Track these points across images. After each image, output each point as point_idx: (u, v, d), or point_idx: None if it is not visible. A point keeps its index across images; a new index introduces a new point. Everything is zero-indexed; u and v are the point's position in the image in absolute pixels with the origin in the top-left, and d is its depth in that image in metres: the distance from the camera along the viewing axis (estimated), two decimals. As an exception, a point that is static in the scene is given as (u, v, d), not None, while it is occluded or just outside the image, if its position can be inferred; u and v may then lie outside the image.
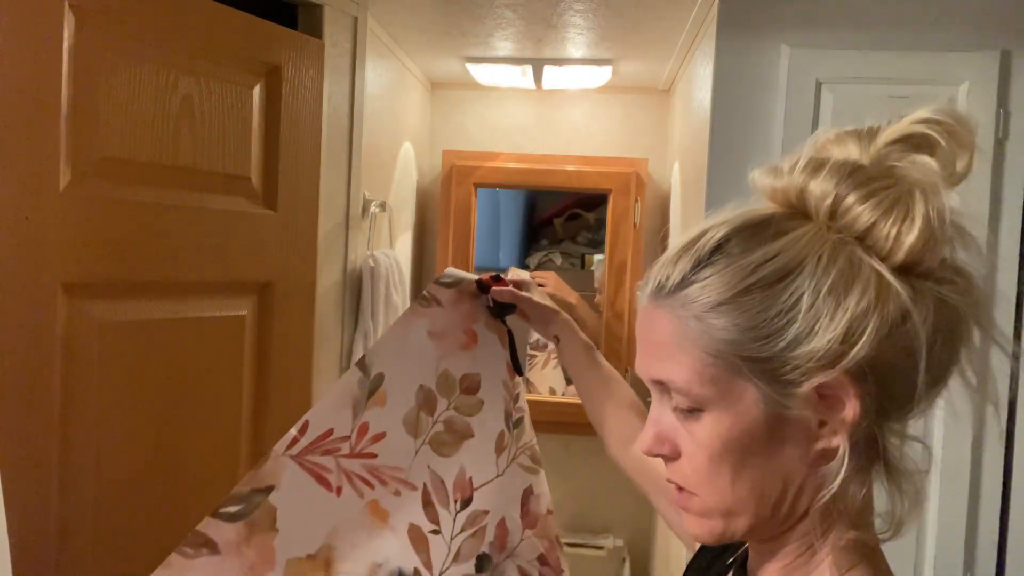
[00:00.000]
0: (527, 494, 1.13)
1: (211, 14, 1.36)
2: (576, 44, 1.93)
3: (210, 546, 0.85)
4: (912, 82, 1.39)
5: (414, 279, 2.37)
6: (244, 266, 1.44)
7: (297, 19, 1.59)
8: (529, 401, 2.47)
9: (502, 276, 1.12)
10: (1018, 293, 1.40)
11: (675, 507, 0.61)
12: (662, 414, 0.59)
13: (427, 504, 1.00)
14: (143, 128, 1.24)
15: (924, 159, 0.55)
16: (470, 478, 1.04)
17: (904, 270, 0.52)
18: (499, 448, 1.09)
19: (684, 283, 0.56)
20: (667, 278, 0.57)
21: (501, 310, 1.11)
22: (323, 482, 0.92)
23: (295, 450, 0.91)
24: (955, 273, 0.54)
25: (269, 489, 0.89)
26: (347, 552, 0.92)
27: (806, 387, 0.52)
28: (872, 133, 0.59)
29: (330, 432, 0.94)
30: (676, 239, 0.60)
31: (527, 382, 2.53)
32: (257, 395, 1.48)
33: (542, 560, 1.13)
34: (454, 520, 1.02)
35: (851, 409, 0.53)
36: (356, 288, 1.78)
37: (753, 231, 0.56)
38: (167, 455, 1.32)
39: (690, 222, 1.74)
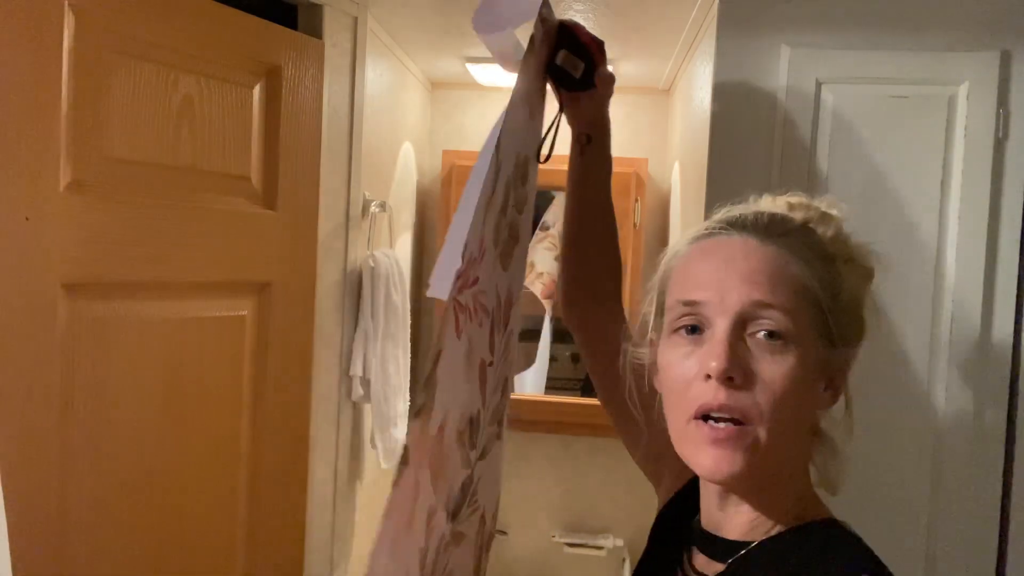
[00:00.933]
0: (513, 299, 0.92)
1: (211, 14, 1.36)
2: (576, 44, 1.93)
3: (404, 459, 0.71)
4: (912, 82, 1.39)
5: (414, 279, 2.37)
6: (244, 266, 1.44)
7: (297, 19, 1.59)
8: (527, 401, 2.47)
9: (600, 42, 0.89)
10: (1018, 293, 1.40)
11: (685, 434, 0.65)
12: (737, 341, 0.62)
13: (491, 332, 0.83)
14: (143, 128, 1.24)
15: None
16: (511, 294, 0.86)
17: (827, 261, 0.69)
18: (522, 257, 0.90)
19: (791, 235, 0.66)
20: (776, 226, 0.66)
21: (577, 82, 0.89)
22: (456, 328, 0.75)
23: (455, 289, 0.74)
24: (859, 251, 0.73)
25: (437, 358, 0.72)
26: (454, 414, 0.77)
27: (841, 352, 0.66)
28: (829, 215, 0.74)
29: (472, 256, 0.76)
30: (761, 203, 0.73)
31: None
32: (257, 395, 1.48)
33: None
34: (501, 346, 0.86)
35: (845, 382, 0.68)
36: (356, 288, 1.78)
37: (823, 219, 0.71)
38: (167, 455, 1.32)
39: (690, 222, 1.74)
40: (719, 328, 0.62)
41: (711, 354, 0.61)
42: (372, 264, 1.78)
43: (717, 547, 0.69)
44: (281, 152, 1.48)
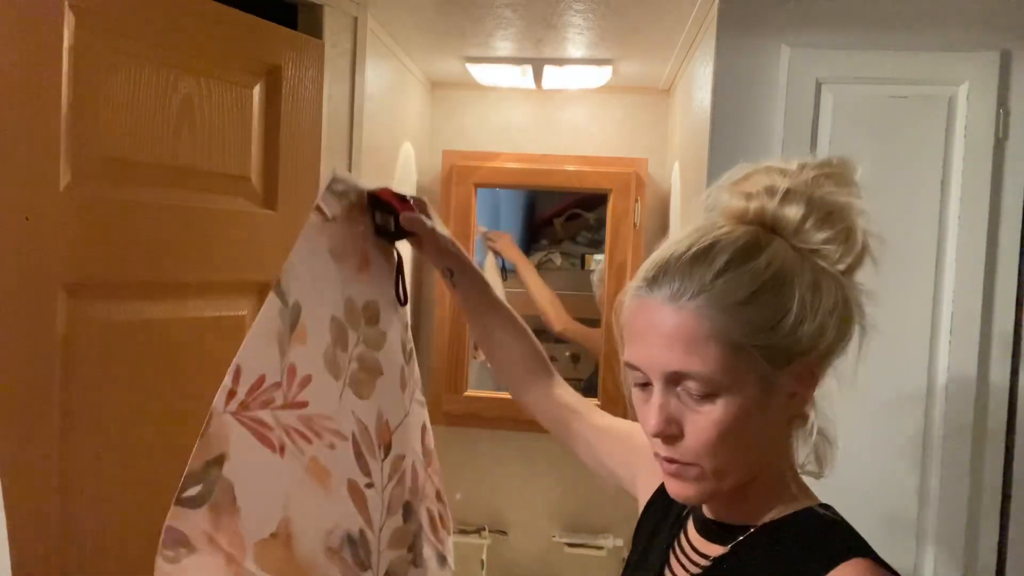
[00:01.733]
0: (423, 431, 1.09)
1: (211, 14, 1.36)
2: (576, 44, 1.93)
3: (185, 544, 0.83)
4: (912, 82, 1.39)
5: (414, 279, 2.37)
6: (244, 266, 1.44)
7: (297, 19, 1.59)
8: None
9: (402, 196, 1.02)
10: (1018, 293, 1.40)
11: (651, 469, 0.77)
12: (668, 399, 0.68)
13: (358, 455, 0.95)
14: (143, 128, 1.24)
15: (843, 191, 0.71)
16: (386, 421, 0.99)
17: (844, 274, 0.70)
18: (403, 385, 1.03)
19: (708, 286, 0.66)
20: (684, 282, 0.67)
21: (395, 233, 1.02)
22: (266, 442, 0.88)
23: (233, 405, 0.88)
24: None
25: (221, 460, 0.86)
26: (302, 523, 0.89)
27: (793, 367, 0.67)
28: (802, 168, 0.72)
29: (263, 379, 0.90)
30: (672, 246, 0.71)
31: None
32: (257, 395, 1.48)
33: (438, 497, 1.09)
34: (382, 469, 0.97)
35: (816, 383, 0.70)
36: (356, 288, 1.78)
37: (750, 246, 0.68)
38: (167, 455, 1.32)
39: (690, 222, 1.74)
40: (655, 389, 0.69)
41: (649, 416, 0.69)
42: (372, 264, 1.78)
43: (718, 531, 0.75)
44: (281, 152, 1.48)
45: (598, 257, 2.45)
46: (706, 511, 0.78)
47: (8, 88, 1.05)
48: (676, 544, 0.80)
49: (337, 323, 0.95)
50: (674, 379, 0.67)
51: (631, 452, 0.98)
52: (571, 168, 2.30)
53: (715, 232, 0.70)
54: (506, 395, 2.42)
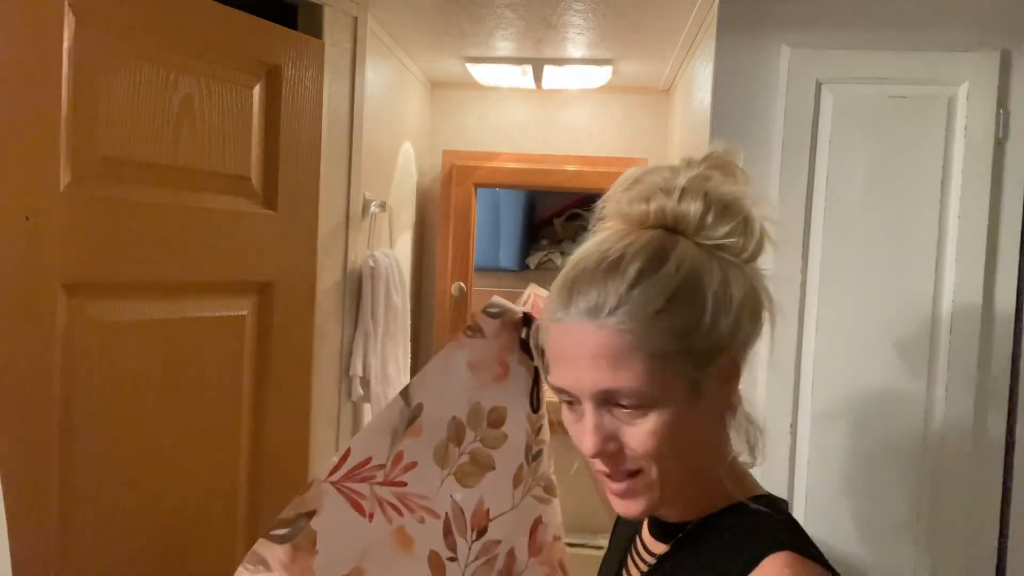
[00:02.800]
0: (536, 523, 1.15)
1: (211, 14, 1.36)
2: (576, 44, 1.93)
3: (264, 564, 0.92)
4: (912, 82, 1.39)
5: (414, 279, 2.37)
6: (244, 266, 1.44)
7: (297, 19, 1.59)
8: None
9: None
10: (1018, 294, 1.40)
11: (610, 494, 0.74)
12: (602, 418, 0.68)
13: (447, 533, 1.03)
14: (143, 128, 1.24)
15: (734, 183, 0.71)
16: (487, 509, 1.06)
17: (747, 263, 0.70)
18: (517, 481, 1.11)
19: (623, 302, 0.66)
20: (601, 300, 0.66)
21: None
22: (358, 508, 0.97)
23: (335, 477, 0.97)
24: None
25: (311, 514, 0.95)
26: (376, 574, 0.98)
27: (718, 363, 0.67)
28: (690, 164, 0.72)
29: (368, 460, 0.98)
30: (581, 261, 0.71)
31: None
32: (257, 395, 1.48)
33: None
34: (469, 548, 1.05)
35: (739, 373, 0.70)
36: (356, 288, 1.78)
37: (656, 252, 0.68)
38: (167, 454, 1.32)
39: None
40: (587, 409, 0.68)
41: (583, 436, 0.69)
42: (372, 264, 1.78)
43: (662, 529, 0.77)
44: (281, 152, 1.48)
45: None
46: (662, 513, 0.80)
47: (8, 88, 1.05)
48: (634, 543, 0.83)
49: (457, 422, 1.03)
50: (605, 397, 0.67)
51: None
52: (571, 168, 2.30)
53: (621, 242, 0.69)
54: (506, 395, 2.43)
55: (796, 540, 0.68)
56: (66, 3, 1.11)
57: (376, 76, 1.85)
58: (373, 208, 1.82)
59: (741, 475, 0.74)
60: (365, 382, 1.77)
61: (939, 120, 1.39)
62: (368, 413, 1.91)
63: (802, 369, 1.40)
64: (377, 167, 1.93)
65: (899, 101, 1.39)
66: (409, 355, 1.99)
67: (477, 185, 2.34)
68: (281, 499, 1.53)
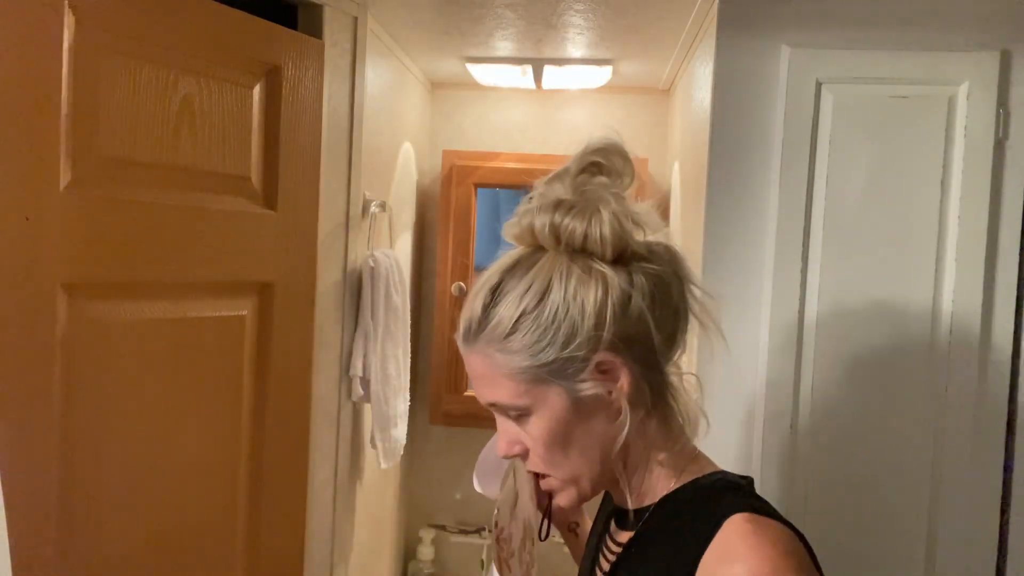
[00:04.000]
0: None
1: (211, 14, 1.36)
2: (576, 44, 1.93)
3: None
4: (912, 82, 1.39)
5: (414, 279, 2.37)
6: (244, 266, 1.44)
7: (297, 19, 1.59)
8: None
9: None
10: (1018, 293, 1.40)
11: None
12: (506, 424, 0.76)
13: None
14: (143, 128, 1.24)
15: (600, 179, 0.75)
16: None
17: (617, 262, 0.71)
18: None
19: (480, 326, 0.73)
20: (468, 325, 0.74)
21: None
22: None
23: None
24: (648, 251, 0.74)
25: None
26: None
27: (587, 372, 0.70)
28: (565, 172, 0.75)
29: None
30: (472, 289, 0.76)
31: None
32: (257, 395, 1.48)
33: None
34: None
35: (624, 376, 0.71)
36: (356, 288, 1.78)
37: (512, 270, 0.73)
38: (167, 455, 1.32)
39: (690, 222, 1.74)
40: (498, 420, 0.77)
41: (497, 442, 0.78)
42: (372, 264, 1.78)
43: (626, 518, 0.80)
44: (281, 152, 1.48)
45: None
46: (616, 500, 0.83)
47: (8, 88, 1.05)
48: (604, 537, 0.86)
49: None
50: (496, 408, 0.75)
51: None
52: (571, 168, 2.30)
53: (493, 265, 0.75)
54: (506, 395, 2.43)
55: (752, 501, 0.72)
56: (66, 3, 1.11)
57: (376, 76, 1.85)
58: (373, 208, 1.82)
59: (692, 457, 0.78)
60: (365, 382, 1.77)
61: (939, 120, 1.39)
62: (368, 413, 1.91)
63: (802, 369, 1.40)
64: (377, 167, 1.93)
65: (899, 101, 1.39)
66: (409, 355, 1.99)
67: (477, 185, 2.34)
68: (281, 499, 1.53)
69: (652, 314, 0.72)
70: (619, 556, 0.79)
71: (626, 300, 0.70)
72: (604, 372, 0.71)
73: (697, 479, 0.76)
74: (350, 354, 1.75)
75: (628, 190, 0.77)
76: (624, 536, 0.80)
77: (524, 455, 0.77)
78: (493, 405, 0.75)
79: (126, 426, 1.25)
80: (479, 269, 2.42)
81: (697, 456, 0.79)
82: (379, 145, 1.94)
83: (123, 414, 1.24)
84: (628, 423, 0.72)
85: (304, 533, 1.60)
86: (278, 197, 1.49)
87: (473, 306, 0.74)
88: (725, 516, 0.68)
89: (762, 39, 1.43)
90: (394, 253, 1.93)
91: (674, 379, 0.76)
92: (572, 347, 0.69)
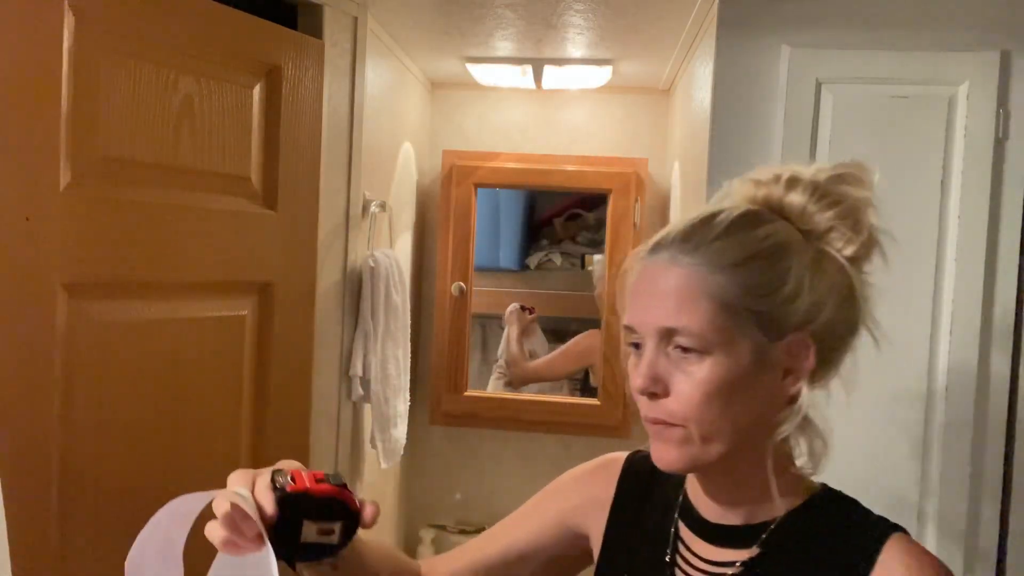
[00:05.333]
0: None
1: (211, 14, 1.36)
2: (576, 44, 1.93)
3: None
4: (912, 82, 1.39)
5: (414, 279, 2.37)
6: (244, 266, 1.44)
7: (297, 19, 1.59)
8: (529, 401, 2.48)
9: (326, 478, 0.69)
10: (1018, 293, 1.40)
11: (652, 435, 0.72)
12: (658, 357, 0.69)
13: None
14: (143, 128, 1.24)
15: (847, 187, 0.72)
16: None
17: (852, 260, 0.70)
18: None
19: (702, 248, 0.68)
20: (687, 243, 0.69)
21: (333, 548, 0.68)
22: None
23: None
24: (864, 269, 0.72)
25: None
26: None
27: (787, 339, 0.68)
28: (816, 172, 0.74)
29: None
30: (679, 219, 0.72)
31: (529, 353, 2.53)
32: (257, 395, 1.48)
33: None
34: None
35: (811, 363, 0.69)
36: (356, 288, 1.78)
37: (754, 217, 0.71)
38: (167, 455, 1.32)
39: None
40: (647, 348, 0.70)
41: (636, 373, 0.70)
42: (372, 264, 1.78)
43: (730, 534, 0.73)
44: (281, 152, 1.48)
45: (598, 257, 2.45)
46: (704, 514, 0.75)
47: (8, 88, 1.05)
48: (677, 557, 0.76)
49: None
50: (665, 335, 0.68)
51: (546, 514, 0.93)
52: (571, 168, 2.30)
53: (721, 205, 0.73)
54: (506, 395, 2.44)
55: (891, 521, 0.70)
56: (66, 3, 1.11)
57: (376, 76, 1.85)
58: (373, 208, 1.82)
59: (796, 469, 0.73)
60: (365, 382, 1.77)
61: (939, 120, 1.39)
62: (368, 413, 1.91)
63: (802, 369, 1.40)
64: (377, 167, 1.93)
65: (899, 101, 1.39)
66: (409, 355, 1.99)
67: (477, 185, 2.34)
68: (281, 499, 1.53)
69: (856, 319, 0.71)
70: None
71: (848, 298, 0.69)
72: (795, 351, 0.68)
73: (816, 494, 0.72)
74: (350, 354, 1.75)
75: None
76: (734, 554, 0.72)
77: (661, 395, 0.68)
78: (669, 331, 0.67)
79: (126, 426, 1.25)
80: (479, 269, 2.42)
81: (800, 474, 0.74)
82: (379, 145, 1.94)
83: (123, 414, 1.24)
84: (790, 417, 0.68)
85: (304, 533, 1.60)
86: (278, 197, 1.49)
87: (700, 228, 0.70)
88: (883, 537, 0.67)
89: (762, 39, 1.43)
90: (394, 253, 1.93)
91: (814, 401, 0.71)
92: (786, 311, 0.67)
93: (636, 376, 0.69)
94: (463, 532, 2.45)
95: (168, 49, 1.28)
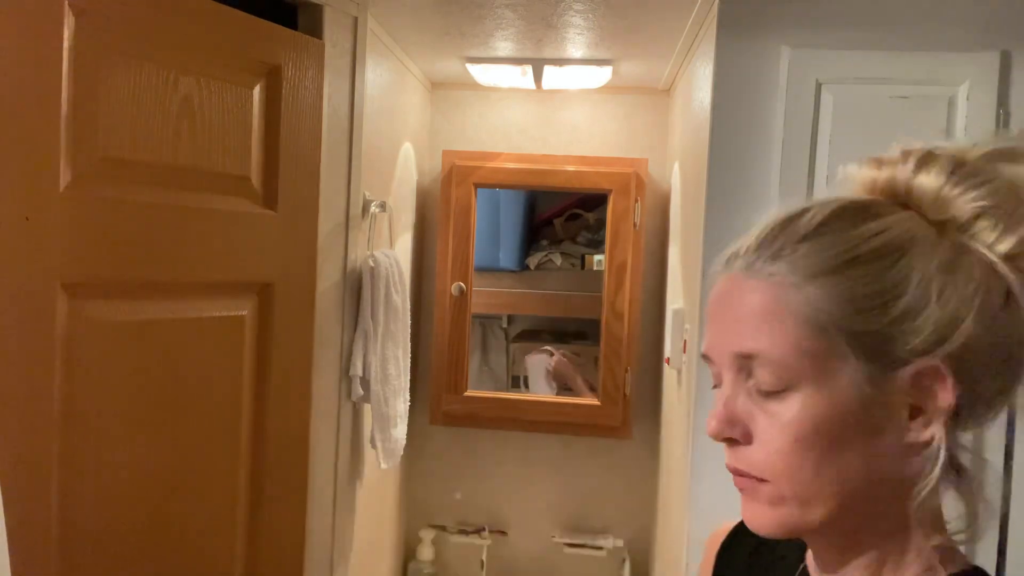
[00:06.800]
0: None
1: (211, 14, 1.36)
2: (576, 44, 1.93)
3: None
4: (912, 82, 1.39)
5: (414, 279, 2.37)
6: (244, 266, 1.44)
7: (297, 19, 1.59)
8: (529, 401, 2.48)
9: None
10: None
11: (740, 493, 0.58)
12: (736, 394, 0.56)
13: None
14: (143, 128, 1.24)
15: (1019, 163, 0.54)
16: None
17: (1008, 258, 0.52)
18: None
19: (785, 253, 0.54)
20: (765, 248, 0.55)
21: None
22: None
23: None
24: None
25: None
26: None
27: (909, 368, 0.51)
28: (966, 149, 0.56)
29: None
30: (768, 216, 0.57)
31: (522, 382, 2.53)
32: (257, 395, 1.48)
33: None
34: None
35: (948, 398, 0.52)
36: (356, 288, 1.78)
37: (857, 210, 0.55)
38: (167, 455, 1.32)
39: (690, 222, 1.74)
40: (724, 384, 0.57)
41: (710, 413, 0.57)
42: (372, 264, 1.78)
43: None
44: (281, 152, 1.48)
45: (598, 257, 2.45)
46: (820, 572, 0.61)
47: (8, 88, 1.05)
48: None
49: None
50: (742, 365, 0.55)
51: None
52: (571, 168, 2.30)
53: (818, 199, 0.57)
54: (506, 395, 2.44)
55: None
56: (66, 3, 1.11)
57: (376, 76, 1.85)
58: (373, 208, 1.82)
59: (951, 547, 0.58)
60: (365, 382, 1.77)
61: (939, 120, 1.38)
62: (368, 413, 1.91)
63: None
64: (377, 167, 1.93)
65: (899, 101, 1.39)
66: (409, 355, 1.99)
67: (477, 185, 2.34)
68: (281, 499, 1.53)
69: (1019, 336, 0.52)
70: None
71: (1001, 307, 0.51)
72: (921, 383, 0.52)
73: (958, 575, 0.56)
74: (350, 354, 1.75)
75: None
76: None
77: (741, 443, 0.56)
78: (746, 357, 0.54)
79: (126, 426, 1.25)
80: (479, 269, 2.42)
81: (950, 547, 0.58)
82: (379, 145, 1.94)
83: (123, 414, 1.24)
84: (939, 466, 0.53)
85: (304, 533, 1.60)
86: (278, 197, 1.49)
87: (779, 232, 0.55)
88: None
89: (762, 40, 1.43)
90: (394, 253, 1.93)
91: (964, 447, 0.56)
92: (905, 326, 0.51)
93: (709, 416, 0.56)
94: (463, 532, 2.45)
95: (168, 49, 1.28)
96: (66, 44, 1.12)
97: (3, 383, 1.07)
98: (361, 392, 1.76)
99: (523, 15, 1.72)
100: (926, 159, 0.55)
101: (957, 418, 0.53)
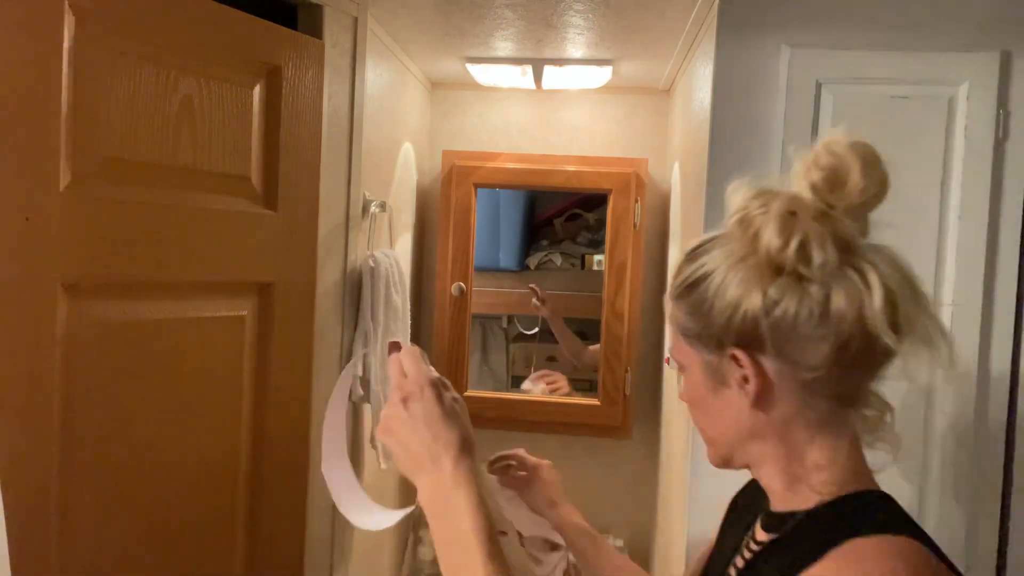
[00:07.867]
0: None
1: (211, 14, 1.36)
2: (576, 44, 1.93)
3: None
4: (912, 82, 1.39)
5: (414, 279, 2.37)
6: (244, 266, 1.44)
7: (297, 19, 1.59)
8: (529, 401, 2.47)
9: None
10: (1018, 293, 1.40)
11: None
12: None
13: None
14: (143, 128, 1.24)
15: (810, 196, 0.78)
16: None
17: (778, 250, 0.71)
18: None
19: (686, 287, 0.79)
20: (677, 283, 0.81)
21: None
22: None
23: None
24: (807, 275, 0.72)
25: None
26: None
27: (726, 352, 0.75)
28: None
29: None
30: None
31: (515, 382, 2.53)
32: (257, 395, 1.48)
33: None
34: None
35: (748, 367, 0.74)
36: (356, 288, 1.78)
37: (701, 246, 0.80)
38: (167, 455, 1.33)
39: (690, 222, 1.74)
40: None
41: None
42: (372, 264, 1.78)
43: (775, 521, 0.80)
44: (281, 152, 1.48)
45: (598, 257, 2.45)
46: (771, 504, 0.82)
47: (8, 88, 1.05)
48: (746, 539, 0.86)
49: None
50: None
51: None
52: (571, 168, 2.30)
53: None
54: (506, 395, 2.44)
55: (907, 525, 0.73)
56: (66, 3, 1.11)
57: (376, 76, 1.85)
58: (373, 208, 1.82)
59: (855, 472, 0.77)
60: (365, 382, 1.77)
61: (939, 120, 1.39)
62: (368, 413, 1.91)
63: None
64: (377, 167, 1.93)
65: (899, 101, 1.39)
66: (409, 355, 1.99)
67: (477, 185, 2.34)
68: (281, 499, 1.53)
69: (824, 326, 0.71)
70: (755, 554, 0.80)
71: (786, 310, 0.71)
72: (738, 361, 0.75)
73: (851, 494, 0.75)
74: (350, 354, 1.75)
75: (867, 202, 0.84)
76: (764, 536, 0.81)
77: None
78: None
79: (126, 426, 1.25)
80: (479, 269, 2.42)
81: (861, 473, 0.78)
82: (379, 145, 1.94)
83: (123, 414, 1.24)
84: (758, 419, 0.76)
85: (304, 533, 1.60)
86: (278, 197, 1.49)
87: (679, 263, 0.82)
88: (848, 537, 0.68)
89: (762, 39, 1.43)
90: (394, 253, 1.93)
91: (867, 392, 0.79)
92: (713, 326, 0.75)
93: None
94: (463, 532, 2.45)
95: (168, 49, 1.28)
96: (66, 44, 1.12)
97: (3, 383, 1.07)
98: (361, 392, 1.76)
99: (523, 15, 1.72)
100: (761, 198, 0.75)
101: (795, 379, 0.73)
